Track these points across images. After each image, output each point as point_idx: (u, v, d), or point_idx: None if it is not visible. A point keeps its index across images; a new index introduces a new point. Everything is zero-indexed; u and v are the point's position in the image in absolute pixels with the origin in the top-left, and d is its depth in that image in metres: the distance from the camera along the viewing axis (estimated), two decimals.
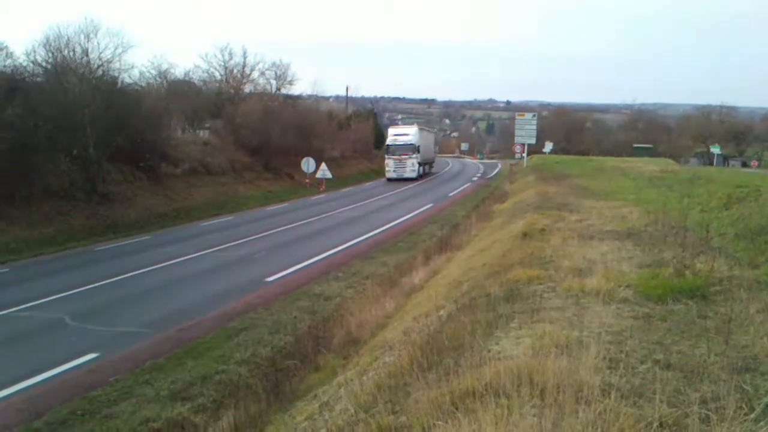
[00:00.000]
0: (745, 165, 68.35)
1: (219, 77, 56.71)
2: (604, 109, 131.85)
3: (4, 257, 20.84)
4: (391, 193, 41.91)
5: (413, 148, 51.39)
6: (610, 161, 43.69)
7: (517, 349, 5.53)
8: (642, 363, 4.96)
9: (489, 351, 5.61)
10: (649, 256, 9.72)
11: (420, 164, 53.00)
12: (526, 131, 55.51)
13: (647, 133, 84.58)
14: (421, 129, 58.00)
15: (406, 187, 45.88)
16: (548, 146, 63.10)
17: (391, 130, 56.96)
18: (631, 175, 29.94)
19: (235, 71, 56.76)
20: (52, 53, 31.28)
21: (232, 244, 22.21)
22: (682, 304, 6.85)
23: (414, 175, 51.18)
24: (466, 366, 5.14)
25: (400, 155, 51.36)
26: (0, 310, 14.20)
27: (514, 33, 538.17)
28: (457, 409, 4.23)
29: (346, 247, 21.54)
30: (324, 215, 30.17)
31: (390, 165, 51.91)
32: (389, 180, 51.02)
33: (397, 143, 51.93)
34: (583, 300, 7.17)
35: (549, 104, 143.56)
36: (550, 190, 24.37)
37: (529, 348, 5.40)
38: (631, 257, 9.82)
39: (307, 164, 42.62)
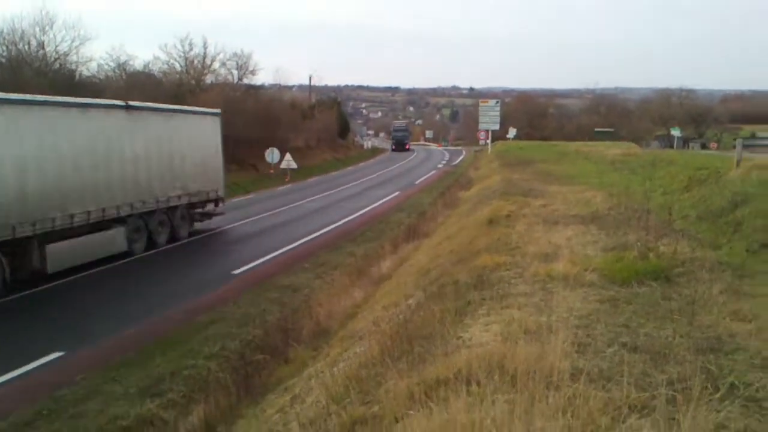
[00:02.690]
0: (704, 147, 69.43)
1: (179, 68, 55.85)
2: (566, 94, 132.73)
3: None
4: (357, 182, 41.82)
5: None
6: (573, 146, 44.07)
7: (487, 335, 5.57)
8: (609, 346, 5.02)
9: (459, 338, 5.65)
10: (614, 239, 9.85)
11: None
12: (489, 118, 55.84)
13: (609, 117, 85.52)
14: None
15: (373, 175, 45.82)
16: (512, 132, 63.59)
17: None
18: (593, 159, 30.29)
19: (195, 62, 55.89)
20: (7, 47, 30.67)
21: (197, 236, 21.97)
22: (646, 287, 6.95)
23: None
24: (436, 354, 5.16)
25: None
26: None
27: (475, 19, 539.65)
28: (428, 397, 4.24)
29: (313, 238, 21.45)
30: (290, 206, 29.97)
31: None
32: None
33: None
34: (549, 285, 7.24)
35: (512, 90, 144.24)
36: (515, 176, 24.55)
37: (498, 334, 5.44)
38: (595, 241, 9.93)
39: (272, 155, 42.26)
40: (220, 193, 23.94)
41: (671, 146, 63.72)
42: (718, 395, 3.88)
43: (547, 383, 4.03)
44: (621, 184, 17.51)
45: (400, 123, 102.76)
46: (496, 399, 3.90)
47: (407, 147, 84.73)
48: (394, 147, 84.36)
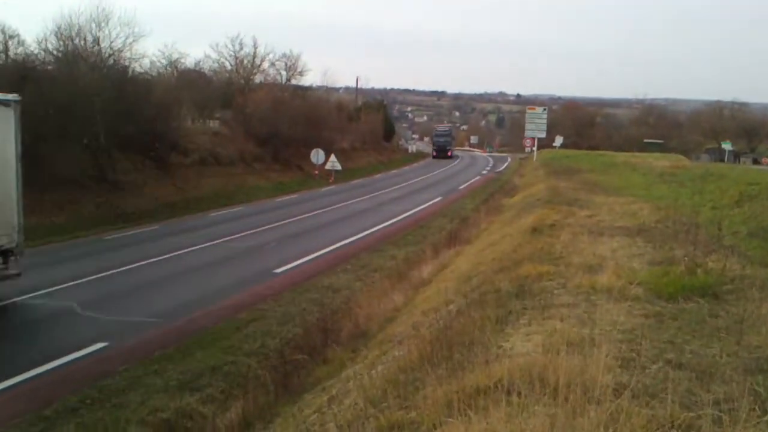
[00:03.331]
0: (756, 162, 67.96)
1: (229, 67, 56.68)
2: (615, 103, 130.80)
3: None
4: (401, 185, 41.88)
5: None
6: (621, 156, 43.42)
7: (528, 346, 5.51)
8: (654, 362, 4.92)
9: (500, 347, 5.60)
10: (660, 253, 9.66)
11: None
12: (536, 125, 55.34)
13: (658, 128, 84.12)
14: None
15: (417, 179, 45.82)
16: (558, 140, 63.02)
17: None
18: (641, 171, 29.81)
19: (245, 62, 56.68)
20: (63, 42, 31.46)
21: (241, 234, 22.21)
22: (693, 303, 6.80)
23: None
24: (476, 362, 5.12)
25: None
26: (10, 298, 14.13)
27: (525, 26, 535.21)
28: (467, 406, 4.21)
29: (355, 240, 21.54)
30: (333, 207, 30.16)
31: None
32: None
33: None
34: (593, 297, 7.13)
35: (559, 98, 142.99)
36: (560, 184, 24.28)
37: (539, 345, 5.37)
38: (641, 254, 9.76)
39: (317, 156, 42.54)
40: (9, 241, 13.59)
41: (722, 160, 62.51)
42: (766, 418, 3.77)
43: (588, 397, 3.96)
44: (669, 197, 17.22)
45: (442, 127, 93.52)
46: (537, 411, 3.86)
47: (449, 154, 76.85)
48: (435, 153, 76.44)
